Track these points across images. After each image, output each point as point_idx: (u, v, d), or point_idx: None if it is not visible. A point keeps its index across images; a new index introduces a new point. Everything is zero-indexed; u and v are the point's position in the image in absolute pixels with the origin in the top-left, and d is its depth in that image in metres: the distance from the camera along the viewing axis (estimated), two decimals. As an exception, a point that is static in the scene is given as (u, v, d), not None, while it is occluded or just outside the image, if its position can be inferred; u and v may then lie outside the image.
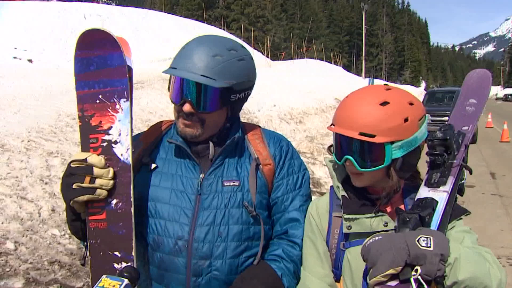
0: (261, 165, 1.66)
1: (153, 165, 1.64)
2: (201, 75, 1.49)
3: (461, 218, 1.47)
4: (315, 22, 70.90)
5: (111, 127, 1.48)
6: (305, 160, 9.35)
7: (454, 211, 1.44)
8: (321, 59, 37.12)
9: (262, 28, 53.38)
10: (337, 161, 1.49)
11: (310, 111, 15.79)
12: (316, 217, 1.59)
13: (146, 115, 8.92)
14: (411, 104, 1.41)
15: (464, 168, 1.53)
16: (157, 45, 20.54)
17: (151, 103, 9.86)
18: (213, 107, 1.56)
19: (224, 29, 39.29)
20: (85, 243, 1.55)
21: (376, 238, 1.22)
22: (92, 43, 1.47)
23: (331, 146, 1.54)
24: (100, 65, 1.48)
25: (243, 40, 31.57)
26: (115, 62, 1.48)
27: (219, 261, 1.55)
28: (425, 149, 1.53)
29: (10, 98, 8.03)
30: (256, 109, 12.39)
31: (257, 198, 1.62)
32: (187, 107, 1.54)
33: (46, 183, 5.16)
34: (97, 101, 1.49)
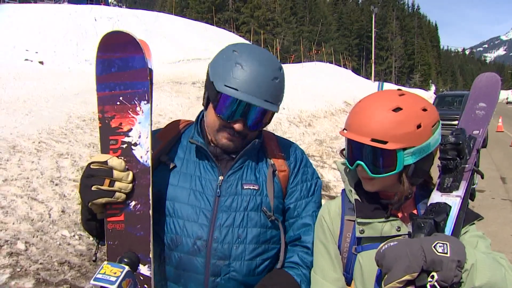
0: (277, 171, 1.69)
1: (172, 165, 1.65)
2: (265, 100, 1.54)
3: (473, 223, 1.45)
4: (324, 25, 70.78)
5: (131, 129, 1.49)
6: (314, 163, 9.32)
7: (467, 216, 1.43)
8: (331, 62, 37.05)
9: (272, 31, 53.40)
10: (349, 166, 1.48)
11: (320, 114, 15.76)
12: (328, 220, 1.58)
13: (156, 117, 8.96)
14: (424, 110, 1.39)
15: (475, 173, 1.52)
16: (167, 47, 20.62)
17: (161, 105, 9.90)
18: (260, 126, 1.63)
19: (233, 32, 39.36)
20: (98, 240, 1.57)
21: (391, 243, 1.20)
22: (114, 45, 1.47)
23: (343, 149, 1.53)
24: (122, 67, 1.48)
25: (252, 43, 31.56)
26: (137, 64, 1.47)
27: (237, 262, 1.57)
28: (437, 153, 1.52)
29: (21, 100, 8.12)
30: (265, 112, 12.27)
31: (275, 202, 1.64)
32: (239, 127, 1.57)
33: (56, 184, 5.20)
34: (118, 103, 1.49)
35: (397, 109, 1.36)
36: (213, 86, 1.55)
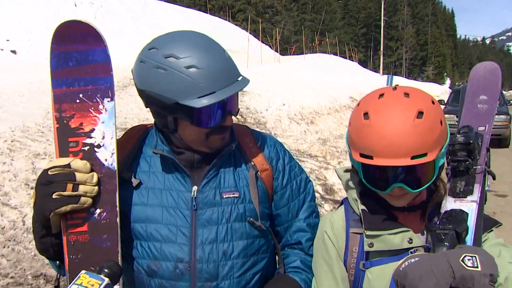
0: (259, 172, 1.64)
1: (136, 181, 1.57)
2: (236, 81, 1.50)
3: (492, 230, 1.44)
4: (328, 13, 70.83)
5: (94, 129, 1.46)
6: (317, 164, 9.30)
7: (485, 223, 1.42)
8: (335, 54, 37.01)
9: (271, 20, 53.40)
10: (381, 191, 1.43)
11: (323, 110, 15.74)
12: (332, 235, 1.55)
13: (144, 114, 8.92)
14: (433, 103, 1.38)
15: (487, 174, 1.51)
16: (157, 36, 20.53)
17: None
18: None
19: (229, 21, 39.36)
20: (57, 262, 1.51)
21: (412, 260, 1.17)
22: (72, 37, 1.45)
23: (350, 170, 1.53)
24: (81, 61, 1.46)
25: (250, 33, 31.54)
26: (98, 57, 1.46)
27: (226, 282, 1.53)
28: None
29: (-8, 94, 8.06)
30: (263, 108, 12.35)
31: (260, 209, 1.60)
32: (230, 121, 1.56)
33: (31, 188, 5.15)
34: (77, 101, 1.47)
35: (419, 115, 1.33)
36: (182, 106, 1.42)
